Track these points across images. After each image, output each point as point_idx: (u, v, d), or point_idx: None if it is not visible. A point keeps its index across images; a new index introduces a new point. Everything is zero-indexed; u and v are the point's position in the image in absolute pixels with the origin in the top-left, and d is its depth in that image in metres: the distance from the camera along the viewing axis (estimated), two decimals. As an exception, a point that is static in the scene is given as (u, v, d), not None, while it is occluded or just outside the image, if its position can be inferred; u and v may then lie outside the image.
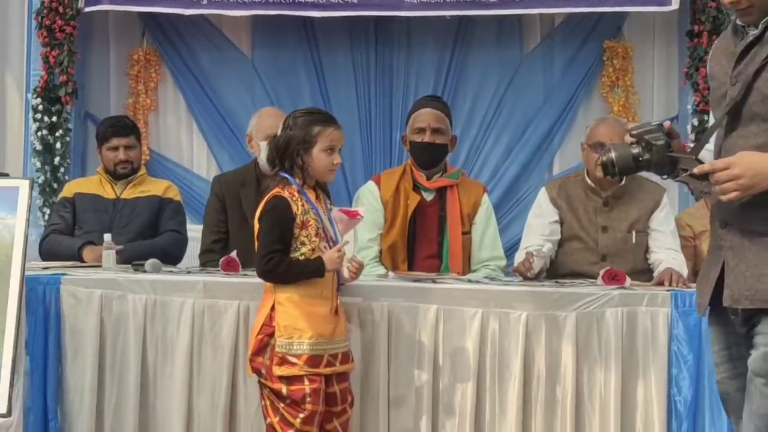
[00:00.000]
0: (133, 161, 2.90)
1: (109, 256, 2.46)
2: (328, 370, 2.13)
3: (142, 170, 3.01)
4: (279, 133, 2.17)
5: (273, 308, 2.12)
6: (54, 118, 3.51)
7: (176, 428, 2.31)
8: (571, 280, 2.59)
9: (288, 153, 2.13)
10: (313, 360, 2.09)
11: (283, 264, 2.07)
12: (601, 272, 2.40)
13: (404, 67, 3.84)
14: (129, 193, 2.88)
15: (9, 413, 1.69)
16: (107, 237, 2.50)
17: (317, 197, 2.21)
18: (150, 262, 2.42)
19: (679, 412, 2.28)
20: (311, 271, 2.07)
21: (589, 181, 2.70)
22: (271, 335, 2.11)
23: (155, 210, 2.86)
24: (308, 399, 2.07)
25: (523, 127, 3.81)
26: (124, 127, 2.91)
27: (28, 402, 2.24)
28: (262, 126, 2.76)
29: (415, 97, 3.37)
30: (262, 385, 2.16)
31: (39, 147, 3.52)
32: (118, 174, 2.85)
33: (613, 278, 2.38)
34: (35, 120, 3.51)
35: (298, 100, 3.71)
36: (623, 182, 2.66)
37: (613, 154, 1.57)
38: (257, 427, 2.27)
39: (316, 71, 3.86)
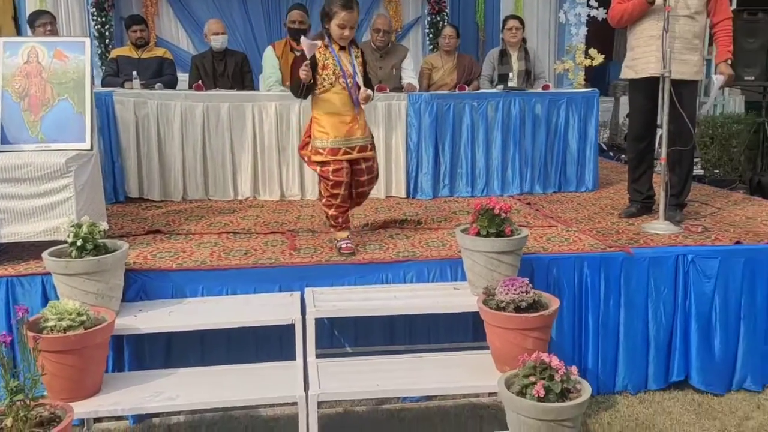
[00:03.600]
0: (146, 38, 5.33)
1: (135, 83, 4.88)
2: (345, 157, 3.16)
3: (151, 43, 5.48)
4: None
5: (312, 120, 3.23)
6: (103, 19, 6.12)
7: (178, 167, 4.77)
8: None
9: (322, 19, 3.11)
10: (333, 151, 3.15)
11: (293, 84, 3.17)
12: (375, 86, 4.84)
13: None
14: (145, 55, 5.29)
15: (92, 148, 3.33)
16: (135, 74, 4.94)
17: (343, 50, 3.13)
18: (158, 85, 4.87)
19: (411, 150, 4.74)
20: (296, 83, 3.08)
21: (373, 45, 5.13)
22: (310, 137, 3.22)
23: (160, 63, 5.29)
24: (331, 175, 3.16)
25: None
26: (140, 21, 5.35)
27: (103, 155, 4.63)
28: (210, 29, 5.20)
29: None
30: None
31: (97, 35, 6.16)
32: (138, 45, 5.29)
33: (381, 90, 4.83)
34: (94, 20, 6.22)
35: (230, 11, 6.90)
36: (389, 45, 5.11)
37: None
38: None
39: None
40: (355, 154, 3.20)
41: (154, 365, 2.92)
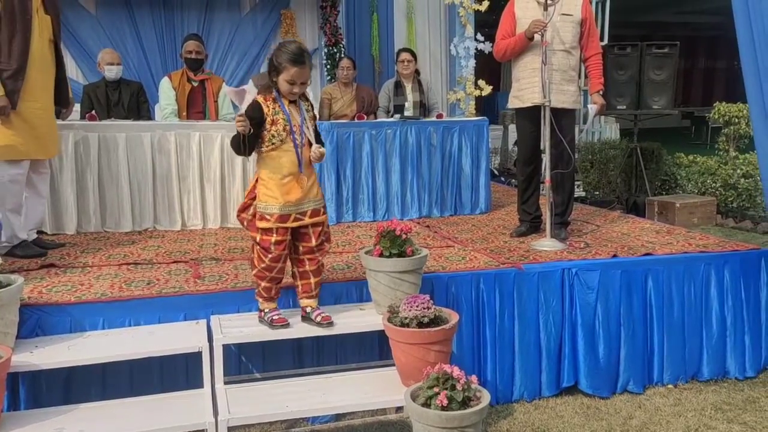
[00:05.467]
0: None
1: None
2: (295, 224, 2.82)
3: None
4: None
5: (257, 181, 2.86)
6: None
7: (71, 199, 4.65)
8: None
9: (270, 71, 2.78)
10: (282, 218, 2.80)
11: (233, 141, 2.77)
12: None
13: (179, 20, 7.13)
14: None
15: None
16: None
17: (293, 103, 2.79)
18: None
19: (312, 178, 4.88)
20: (236, 138, 2.74)
21: None
22: (254, 199, 2.86)
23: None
24: (273, 247, 2.80)
25: (243, 52, 7.24)
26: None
27: None
28: (104, 59, 5.15)
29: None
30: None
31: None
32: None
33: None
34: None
35: (122, 41, 6.82)
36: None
37: None
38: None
39: (135, 24, 6.82)
40: (306, 220, 2.87)
41: (52, 403, 2.82)
